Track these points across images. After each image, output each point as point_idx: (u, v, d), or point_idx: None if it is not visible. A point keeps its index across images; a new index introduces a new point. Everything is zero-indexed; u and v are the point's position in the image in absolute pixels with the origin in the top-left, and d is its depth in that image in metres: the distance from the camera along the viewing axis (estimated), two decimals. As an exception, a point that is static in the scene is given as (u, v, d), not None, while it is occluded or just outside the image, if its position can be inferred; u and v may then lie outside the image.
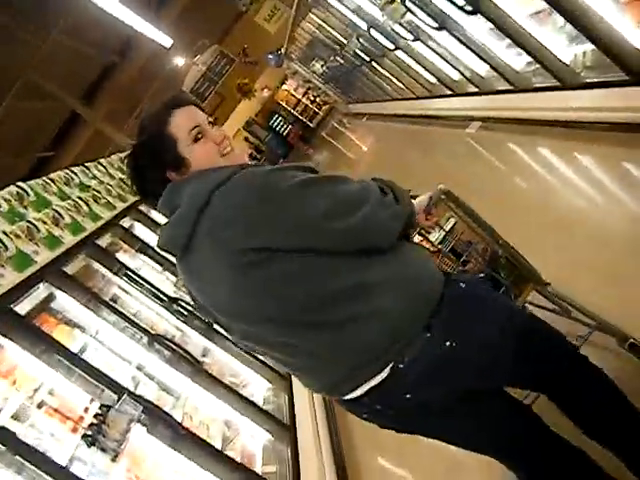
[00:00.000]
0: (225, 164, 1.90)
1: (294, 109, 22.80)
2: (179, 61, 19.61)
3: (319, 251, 1.71)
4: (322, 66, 13.63)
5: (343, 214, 1.72)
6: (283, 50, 15.31)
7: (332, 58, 11.31)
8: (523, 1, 4.37)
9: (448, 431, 1.99)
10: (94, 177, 6.25)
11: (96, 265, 4.96)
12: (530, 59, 4.73)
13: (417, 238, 2.57)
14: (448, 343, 1.73)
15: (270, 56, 19.04)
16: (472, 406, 1.90)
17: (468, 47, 5.19)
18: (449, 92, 6.93)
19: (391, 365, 1.73)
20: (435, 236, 2.72)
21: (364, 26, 7.18)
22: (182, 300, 5.07)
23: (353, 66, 10.48)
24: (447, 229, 2.70)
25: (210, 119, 2.02)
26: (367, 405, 1.83)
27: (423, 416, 1.89)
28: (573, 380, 1.98)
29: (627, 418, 1.96)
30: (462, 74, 6.13)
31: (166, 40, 14.65)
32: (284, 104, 22.96)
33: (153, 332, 4.54)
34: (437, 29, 5.18)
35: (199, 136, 1.95)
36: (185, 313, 5.03)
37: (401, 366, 1.72)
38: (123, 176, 6.76)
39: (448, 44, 5.98)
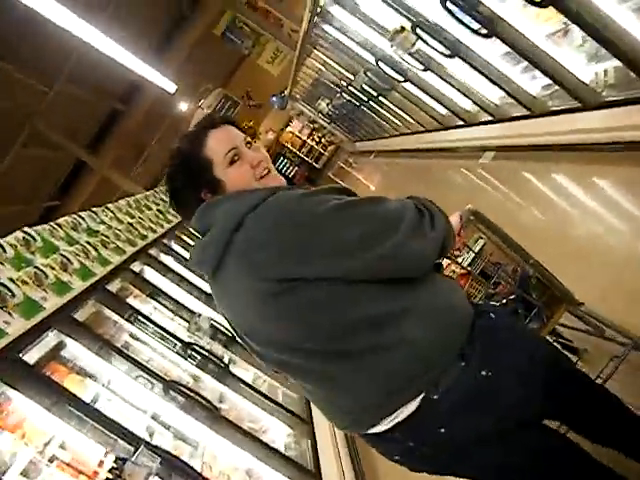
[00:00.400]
0: (261, 186, 1.90)
1: (299, 150, 22.86)
2: (183, 106, 19.66)
3: (349, 279, 1.66)
4: (328, 104, 13.59)
5: (380, 237, 1.67)
6: (287, 91, 15.32)
7: (338, 95, 11.24)
8: (539, 21, 4.25)
9: (484, 470, 1.84)
10: (102, 222, 6.16)
11: (107, 311, 4.79)
12: (546, 82, 4.68)
13: (445, 261, 2.50)
14: (484, 372, 1.69)
15: (274, 99, 19.08)
16: (509, 441, 1.79)
17: (482, 73, 5.04)
18: (461, 122, 6.77)
19: (423, 396, 1.67)
20: (464, 258, 2.69)
21: (372, 59, 7.07)
22: (196, 345, 4.95)
23: (360, 102, 10.38)
24: (476, 250, 2.66)
25: (248, 139, 2.03)
26: (399, 442, 1.74)
27: (458, 453, 1.77)
28: (594, 408, 1.98)
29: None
30: (475, 102, 5.97)
31: (170, 85, 14.68)
32: (289, 146, 23.02)
33: (167, 379, 4.33)
34: (449, 56, 5.02)
35: (235, 158, 1.97)
36: (199, 358, 4.87)
37: (435, 397, 1.66)
38: (132, 220, 6.67)
39: (460, 72, 5.84)
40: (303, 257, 1.65)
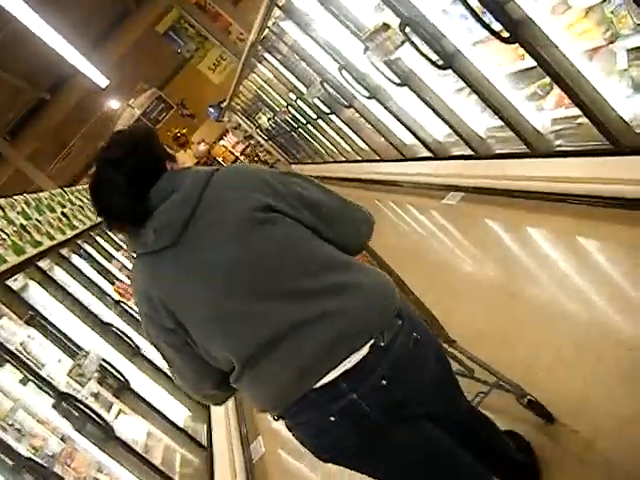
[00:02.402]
0: None
1: (231, 166, 22.12)
2: (115, 103, 18.71)
3: (310, 227, 1.89)
4: (269, 120, 12.87)
5: (334, 203, 2.04)
6: (226, 101, 14.64)
7: (284, 109, 10.54)
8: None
9: (400, 449, 1.87)
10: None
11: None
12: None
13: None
14: (414, 334, 1.82)
15: (211, 109, 18.46)
16: (417, 427, 1.89)
17: (478, 93, 4.38)
18: (429, 154, 6.14)
19: (372, 342, 1.74)
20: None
21: (334, 67, 6.38)
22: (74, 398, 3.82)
23: (307, 120, 9.73)
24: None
25: None
26: (342, 395, 1.73)
27: (390, 419, 1.79)
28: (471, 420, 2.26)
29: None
30: (456, 132, 5.21)
31: (102, 79, 13.81)
32: (221, 160, 22.31)
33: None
34: (441, 67, 4.32)
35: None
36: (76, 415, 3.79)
37: (382, 344, 1.75)
38: (25, 222, 5.69)
39: (445, 92, 5.14)
40: (271, 194, 1.87)
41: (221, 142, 23.02)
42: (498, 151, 4.88)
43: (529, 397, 2.66)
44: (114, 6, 15.40)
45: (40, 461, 3.25)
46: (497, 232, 4.95)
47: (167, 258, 1.85)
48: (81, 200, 9.01)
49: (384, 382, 1.74)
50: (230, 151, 22.59)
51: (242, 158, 22.13)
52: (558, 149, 4.09)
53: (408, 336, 1.80)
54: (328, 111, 8.13)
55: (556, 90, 3.85)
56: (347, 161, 9.84)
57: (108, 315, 6.00)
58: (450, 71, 4.37)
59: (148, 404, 4.80)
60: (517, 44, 3.52)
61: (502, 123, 4.41)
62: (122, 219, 1.89)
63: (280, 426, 4.35)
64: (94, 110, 18.44)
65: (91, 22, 14.47)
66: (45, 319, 4.57)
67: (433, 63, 4.29)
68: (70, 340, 4.60)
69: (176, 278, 1.85)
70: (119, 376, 4.64)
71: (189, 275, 1.84)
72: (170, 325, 1.85)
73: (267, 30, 7.38)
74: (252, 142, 18.95)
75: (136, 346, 5.41)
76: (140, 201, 1.84)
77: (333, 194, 2.07)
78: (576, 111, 3.60)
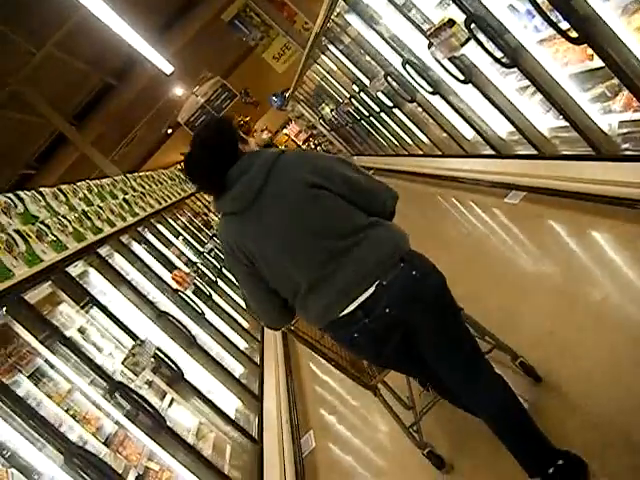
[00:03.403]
0: None
1: (293, 155, 22.11)
2: (179, 90, 18.85)
3: (347, 200, 2.51)
4: (332, 111, 12.80)
5: (366, 182, 2.64)
6: (290, 91, 14.60)
7: (346, 102, 10.48)
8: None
9: (405, 348, 2.62)
10: (48, 206, 5.19)
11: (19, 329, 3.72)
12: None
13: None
14: (414, 272, 2.42)
15: (274, 98, 18.45)
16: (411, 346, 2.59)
17: (543, 92, 4.27)
18: (492, 152, 6.05)
19: (377, 282, 2.40)
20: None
21: (398, 62, 6.31)
22: (127, 387, 3.93)
23: (369, 112, 9.65)
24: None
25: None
26: (359, 320, 2.44)
27: (395, 330, 2.49)
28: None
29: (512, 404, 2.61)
30: (519, 130, 5.10)
31: (167, 66, 13.90)
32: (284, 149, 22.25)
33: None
34: (506, 66, 4.25)
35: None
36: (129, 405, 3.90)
37: (385, 282, 2.39)
38: (87, 209, 5.80)
39: (509, 90, 5.02)
40: (329, 175, 2.51)
41: (284, 130, 23.02)
42: (563, 152, 4.75)
43: (521, 359, 3.18)
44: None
45: (92, 449, 3.32)
46: (559, 233, 4.78)
47: (241, 218, 2.53)
48: (143, 187, 9.11)
49: (387, 310, 2.41)
50: (292, 140, 22.59)
51: (304, 147, 22.10)
52: (625, 153, 3.95)
53: (408, 275, 2.41)
54: (391, 104, 8.05)
55: (625, 92, 3.74)
56: (409, 155, 9.72)
57: (165, 304, 6.09)
58: (514, 69, 4.29)
59: (201, 395, 4.84)
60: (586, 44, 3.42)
61: (567, 123, 4.29)
62: (207, 189, 2.62)
63: (332, 421, 4.47)
64: (158, 97, 18.64)
65: (157, 10, 14.56)
66: (103, 307, 4.69)
67: (498, 61, 4.20)
68: (127, 328, 4.70)
69: (248, 232, 2.53)
70: (173, 366, 4.70)
71: (256, 232, 2.51)
72: (245, 261, 2.56)
73: (331, 22, 7.32)
74: (314, 132, 18.89)
75: (192, 336, 5.47)
76: (221, 176, 2.51)
77: (368, 176, 2.68)
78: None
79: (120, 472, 3.43)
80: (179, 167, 22.99)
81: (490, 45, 4.20)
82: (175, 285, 6.49)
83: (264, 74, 18.40)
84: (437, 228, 6.79)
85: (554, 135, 4.86)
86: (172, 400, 4.72)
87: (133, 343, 4.46)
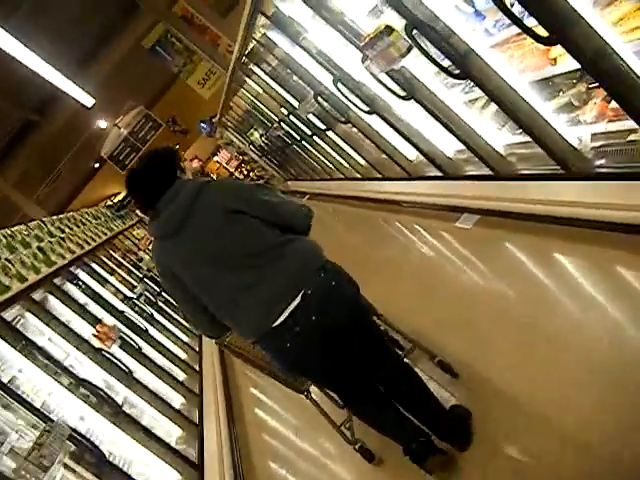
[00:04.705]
0: None
1: (225, 182, 21.58)
2: (102, 123, 18.01)
3: (266, 221, 2.75)
4: (262, 136, 12.23)
5: (283, 204, 2.89)
6: (217, 117, 14.01)
7: (275, 126, 9.90)
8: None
9: (336, 350, 2.78)
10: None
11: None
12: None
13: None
14: (333, 282, 2.67)
15: (203, 125, 17.91)
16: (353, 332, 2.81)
17: (500, 104, 3.71)
18: (438, 173, 5.51)
19: (302, 292, 2.61)
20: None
21: (329, 80, 5.69)
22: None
23: (301, 136, 9.07)
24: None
25: None
26: (290, 329, 2.63)
27: (324, 336, 2.66)
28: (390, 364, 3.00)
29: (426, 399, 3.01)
30: (471, 149, 4.55)
31: (88, 99, 13.19)
32: (215, 177, 21.71)
33: None
34: (456, 77, 3.69)
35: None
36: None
37: (309, 292, 2.61)
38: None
39: (456, 103, 4.50)
40: (242, 201, 2.76)
41: (215, 158, 22.47)
42: (522, 171, 4.22)
43: (439, 358, 3.46)
44: (99, 23, 14.82)
45: None
46: (520, 259, 4.35)
47: (171, 242, 2.77)
48: (62, 230, 8.27)
49: (314, 317, 2.60)
50: (224, 167, 22.04)
51: (236, 174, 21.59)
52: (600, 170, 3.42)
53: (328, 284, 2.65)
54: (323, 127, 7.46)
55: (597, 99, 3.21)
56: (346, 178, 9.17)
57: (87, 367, 5.33)
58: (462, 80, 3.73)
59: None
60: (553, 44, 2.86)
61: (527, 138, 3.76)
62: (141, 204, 2.87)
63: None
64: (83, 130, 17.83)
65: (76, 41, 13.94)
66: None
67: (446, 71, 3.62)
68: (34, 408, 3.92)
69: (176, 255, 2.77)
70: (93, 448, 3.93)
71: (183, 254, 2.75)
72: (175, 283, 2.80)
73: (254, 42, 6.73)
74: (246, 158, 18.35)
75: (117, 405, 4.72)
76: (156, 194, 2.75)
77: (285, 198, 2.93)
78: (627, 124, 2.95)
79: None
80: (109, 202, 22.13)
81: (436, 53, 3.62)
82: (98, 344, 5.70)
83: (192, 101, 17.79)
84: (384, 255, 6.30)
85: (510, 152, 4.32)
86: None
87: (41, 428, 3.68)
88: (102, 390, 4.75)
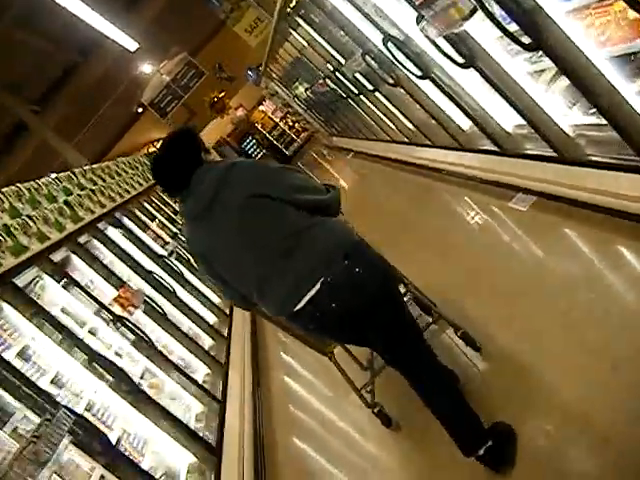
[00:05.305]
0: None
1: (270, 133, 21.19)
2: (147, 68, 17.61)
3: (292, 204, 2.77)
4: (306, 90, 11.74)
5: (309, 188, 2.92)
6: (262, 67, 13.60)
7: (321, 81, 9.41)
8: None
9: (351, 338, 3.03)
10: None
11: None
12: None
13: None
14: (357, 269, 2.67)
15: (250, 72, 17.51)
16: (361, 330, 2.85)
17: (569, 75, 3.20)
18: (494, 148, 5.04)
19: (322, 279, 2.64)
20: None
21: (377, 40, 5.19)
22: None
23: (347, 94, 8.58)
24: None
25: None
26: (311, 314, 2.72)
27: (343, 321, 2.76)
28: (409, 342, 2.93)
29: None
30: (532, 124, 4.05)
31: (131, 43, 12.83)
32: (259, 127, 21.32)
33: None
34: (528, 48, 3.14)
35: None
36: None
37: (329, 279, 2.64)
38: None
39: (522, 75, 3.97)
40: (269, 186, 2.78)
41: (260, 107, 22.03)
42: (592, 158, 3.72)
43: (463, 330, 3.53)
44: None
45: None
46: (581, 251, 3.97)
47: (200, 224, 2.88)
48: (94, 183, 7.93)
49: (333, 305, 2.69)
50: (269, 117, 21.59)
51: (281, 124, 21.16)
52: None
53: (351, 271, 2.67)
54: (371, 88, 6.97)
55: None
56: (392, 141, 8.70)
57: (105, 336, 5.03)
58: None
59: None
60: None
61: (602, 121, 3.28)
62: (168, 188, 3.00)
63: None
64: (124, 76, 17.55)
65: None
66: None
67: (517, 40, 3.09)
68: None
69: (206, 237, 2.89)
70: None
71: (211, 237, 2.86)
72: (204, 260, 2.96)
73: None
74: (290, 110, 17.90)
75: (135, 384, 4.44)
76: (182, 178, 2.84)
77: (310, 181, 2.99)
78: None
79: None
80: (151, 148, 21.91)
81: (502, 16, 3.09)
82: (119, 310, 5.34)
83: (238, 49, 17.33)
84: (431, 225, 6.09)
85: (579, 134, 3.81)
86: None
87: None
88: (118, 366, 4.46)
